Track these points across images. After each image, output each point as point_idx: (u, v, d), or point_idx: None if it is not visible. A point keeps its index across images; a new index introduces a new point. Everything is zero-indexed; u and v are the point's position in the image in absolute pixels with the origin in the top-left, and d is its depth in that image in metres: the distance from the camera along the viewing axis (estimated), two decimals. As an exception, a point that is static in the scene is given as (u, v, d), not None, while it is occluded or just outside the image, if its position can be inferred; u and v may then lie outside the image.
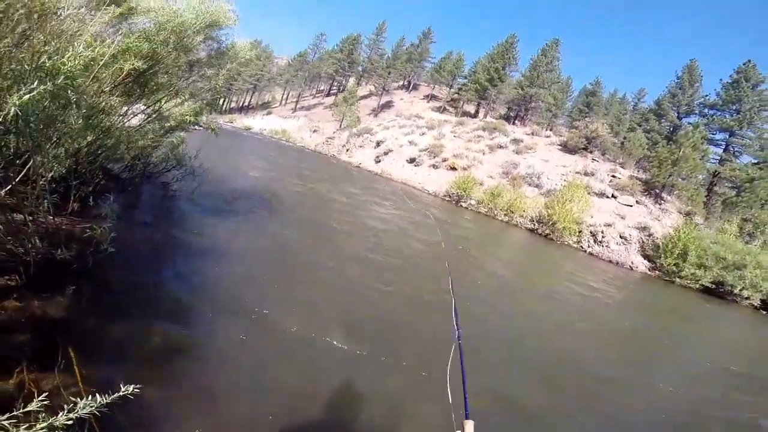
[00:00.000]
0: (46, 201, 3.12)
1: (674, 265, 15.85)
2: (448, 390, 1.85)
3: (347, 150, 32.14)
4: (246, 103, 68.67)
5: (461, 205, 20.19)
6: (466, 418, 1.38)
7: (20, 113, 2.21)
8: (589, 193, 19.39)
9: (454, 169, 23.50)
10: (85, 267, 3.24)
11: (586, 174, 21.96)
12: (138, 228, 4.88)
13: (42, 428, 1.28)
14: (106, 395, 1.39)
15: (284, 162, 20.73)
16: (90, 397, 1.38)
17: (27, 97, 2.14)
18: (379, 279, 5.54)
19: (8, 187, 2.79)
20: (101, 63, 3.06)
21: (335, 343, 3.50)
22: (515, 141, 26.36)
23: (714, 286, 15.32)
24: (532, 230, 18.31)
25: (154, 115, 5.36)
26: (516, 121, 37.97)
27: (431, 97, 52.33)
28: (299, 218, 8.28)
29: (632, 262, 17.04)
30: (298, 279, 4.87)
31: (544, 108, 37.91)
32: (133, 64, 3.63)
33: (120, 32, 3.86)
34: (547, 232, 17.81)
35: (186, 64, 5.13)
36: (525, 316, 6.29)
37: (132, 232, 4.49)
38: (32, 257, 2.93)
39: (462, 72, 49.40)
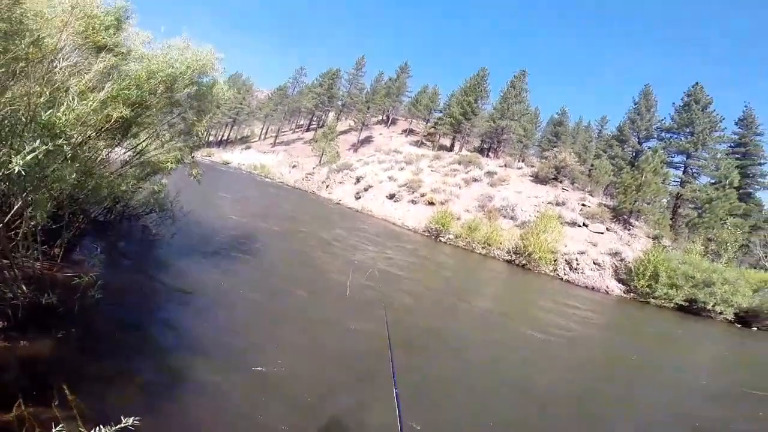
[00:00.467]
0: (35, 248, 3.29)
1: (647, 286, 16.54)
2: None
3: (327, 186, 32.61)
4: (224, 137, 68.61)
5: (440, 240, 20.69)
6: None
7: (24, 173, 2.30)
8: (561, 223, 20.26)
9: (432, 204, 24.19)
10: (71, 311, 3.40)
11: (557, 204, 22.97)
12: (121, 273, 5.04)
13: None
14: (109, 426, 1.56)
15: (263, 201, 20.95)
16: (95, 430, 1.54)
17: (30, 157, 2.27)
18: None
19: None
20: (91, 109, 3.17)
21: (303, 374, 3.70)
22: (489, 174, 27.44)
23: (687, 304, 15.96)
24: (509, 261, 18.88)
25: (135, 158, 5.47)
26: (490, 153, 39.51)
27: (409, 132, 53.89)
28: (279, 264, 8.38)
29: (607, 287, 17.70)
30: (276, 322, 5.12)
31: (515, 139, 39.71)
32: (121, 112, 3.60)
33: (111, 78, 3.82)
34: (524, 262, 18.42)
35: (168, 106, 5.14)
36: (511, 344, 6.64)
37: (115, 277, 4.62)
38: (20, 301, 3.06)
39: (437, 106, 51.51)
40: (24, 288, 3.23)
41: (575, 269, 18.38)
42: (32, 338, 2.98)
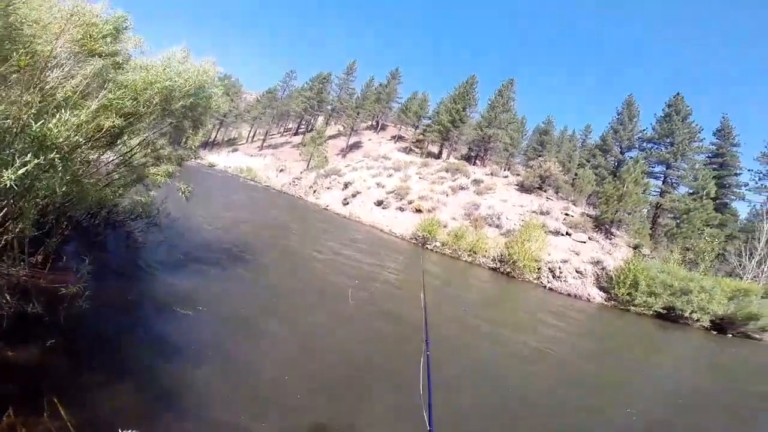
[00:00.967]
0: (21, 258, 3.25)
1: (627, 294, 16.95)
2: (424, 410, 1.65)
3: (314, 191, 32.54)
4: (211, 139, 67.55)
5: (427, 247, 20.87)
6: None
7: (16, 186, 2.29)
8: (545, 232, 20.67)
9: (419, 211, 24.39)
10: (58, 321, 3.38)
11: (541, 213, 23.43)
12: (108, 282, 4.99)
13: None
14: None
15: (250, 206, 20.78)
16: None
17: (22, 171, 2.26)
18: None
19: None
20: (83, 120, 3.08)
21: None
22: (476, 182, 27.82)
23: (666, 312, 16.41)
24: (494, 269, 19.15)
25: (124, 166, 5.34)
26: (477, 161, 40.01)
27: (398, 138, 54.14)
28: (268, 272, 8.33)
29: (589, 294, 18.10)
30: (264, 332, 5.13)
31: (501, 148, 40.29)
32: (113, 122, 3.53)
33: (106, 86, 3.67)
34: (509, 270, 18.72)
35: (162, 117, 4.97)
36: (499, 346, 6.76)
37: (102, 286, 4.59)
38: (5, 311, 3.03)
39: (426, 113, 51.88)
40: (8, 297, 3.19)
41: (558, 277, 18.75)
42: (19, 348, 2.98)
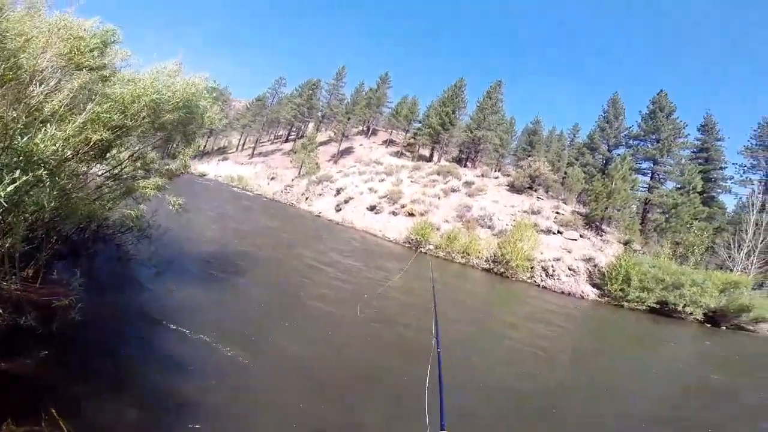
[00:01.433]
0: (12, 272, 3.25)
1: (620, 290, 17.13)
2: (426, 403, 1.70)
3: (307, 198, 32.50)
4: (201, 148, 67.39)
5: (420, 251, 20.94)
6: (442, 430, 1.36)
7: (5, 203, 2.30)
8: (537, 231, 20.87)
9: (412, 215, 24.47)
10: (51, 333, 3.39)
11: (533, 212, 23.66)
12: (98, 294, 4.98)
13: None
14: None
15: (241, 214, 20.69)
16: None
17: (11, 188, 2.27)
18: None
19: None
20: (70, 134, 3.09)
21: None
22: (467, 184, 28.01)
23: (659, 306, 16.62)
24: (487, 270, 19.27)
25: (113, 179, 5.31)
26: (467, 163, 40.27)
27: (389, 142, 54.28)
28: (259, 284, 8.29)
29: (583, 291, 18.28)
30: (257, 345, 5.10)
31: (491, 149, 40.68)
32: (101, 136, 3.50)
33: (94, 100, 3.63)
34: (502, 270, 18.85)
35: (152, 130, 4.96)
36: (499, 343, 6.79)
37: (92, 298, 4.57)
38: None
39: (417, 116, 52.13)
40: (1, 310, 3.21)
41: (551, 275, 18.92)
42: (13, 359, 3.00)
